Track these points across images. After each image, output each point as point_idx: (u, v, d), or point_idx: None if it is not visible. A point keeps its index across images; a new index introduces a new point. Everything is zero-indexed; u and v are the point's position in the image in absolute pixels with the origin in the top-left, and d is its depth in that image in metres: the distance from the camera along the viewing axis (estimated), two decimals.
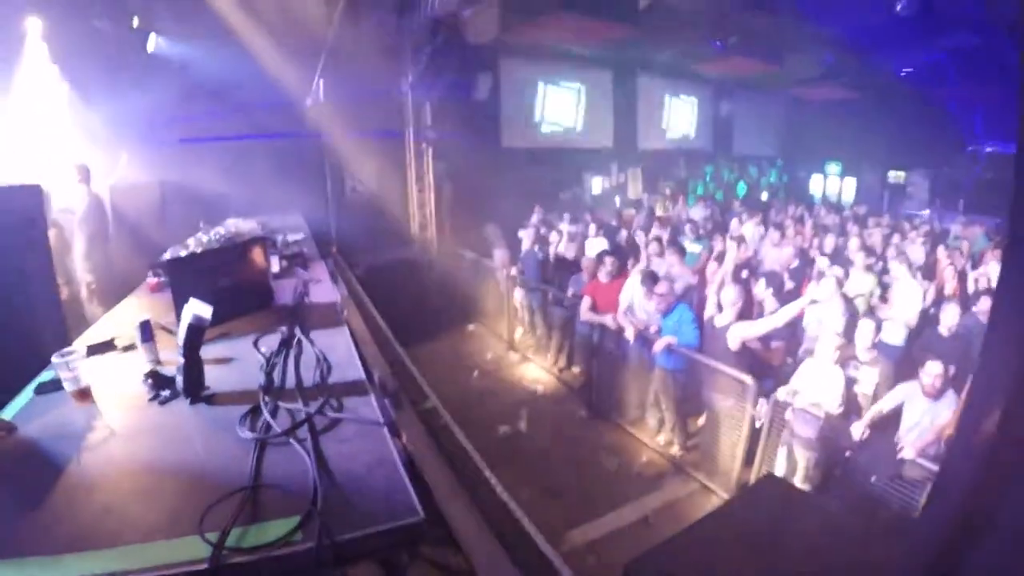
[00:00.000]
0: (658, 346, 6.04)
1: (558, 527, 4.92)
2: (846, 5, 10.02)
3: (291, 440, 2.03)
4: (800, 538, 2.41)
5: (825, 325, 5.64)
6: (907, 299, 6.54)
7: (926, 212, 15.36)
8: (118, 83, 8.31)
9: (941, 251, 8.49)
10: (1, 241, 2.93)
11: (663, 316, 6.11)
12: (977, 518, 1.11)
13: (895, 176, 18.32)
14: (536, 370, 8.58)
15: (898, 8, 9.05)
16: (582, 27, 11.32)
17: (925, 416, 4.38)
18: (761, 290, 6.40)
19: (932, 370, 4.36)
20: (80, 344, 2.95)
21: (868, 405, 4.91)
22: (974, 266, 7.98)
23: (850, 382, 4.94)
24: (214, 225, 7.21)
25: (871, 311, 6.58)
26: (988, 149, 15.12)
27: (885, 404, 4.62)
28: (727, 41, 11.97)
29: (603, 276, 7.04)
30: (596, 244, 9.10)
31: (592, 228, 9.94)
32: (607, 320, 6.74)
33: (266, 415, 2.20)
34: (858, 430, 4.50)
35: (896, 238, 10.09)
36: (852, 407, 4.86)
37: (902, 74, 13.90)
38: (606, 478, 5.93)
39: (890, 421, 4.61)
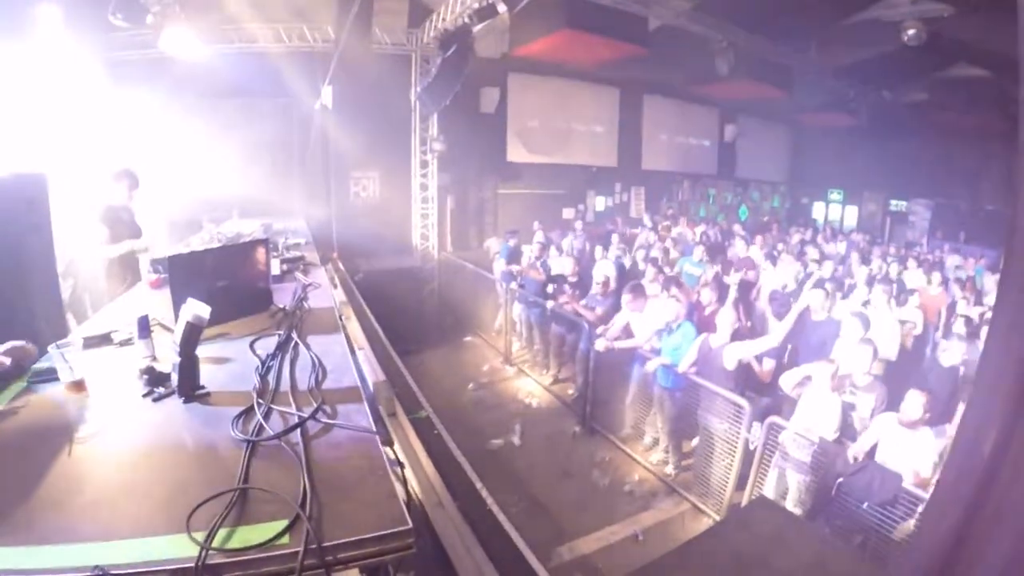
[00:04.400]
0: (651, 366, 6.07)
1: (547, 542, 4.91)
2: (853, 33, 10.09)
3: (283, 443, 2.03)
4: (791, 562, 2.40)
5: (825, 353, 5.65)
6: (885, 334, 6.44)
7: (923, 242, 15.44)
8: (129, 77, 8.35)
9: (936, 278, 8.53)
10: (4, 227, 2.94)
11: (667, 334, 6.13)
12: (968, 546, 1.11)
13: (896, 205, 18.38)
14: (531, 384, 8.57)
15: (905, 38, 9.12)
16: (592, 46, 11.39)
17: (902, 452, 4.37)
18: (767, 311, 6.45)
19: (915, 401, 4.34)
20: (77, 336, 2.95)
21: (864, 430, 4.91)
22: (976, 297, 8.00)
23: (847, 407, 4.93)
24: (217, 225, 7.23)
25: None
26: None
27: (866, 441, 4.59)
28: (734, 65, 12.04)
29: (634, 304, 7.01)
30: (603, 267, 9.12)
31: (599, 251, 9.93)
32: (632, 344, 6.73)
33: (259, 417, 2.19)
34: (851, 454, 4.49)
35: (880, 266, 10.06)
36: (848, 432, 4.85)
37: (906, 103, 13.96)
38: (597, 494, 5.91)
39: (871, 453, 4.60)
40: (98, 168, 6.29)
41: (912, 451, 4.31)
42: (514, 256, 10.36)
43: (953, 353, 5.68)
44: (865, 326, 5.93)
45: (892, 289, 7.47)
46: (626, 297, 6.95)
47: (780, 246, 12.05)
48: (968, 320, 6.36)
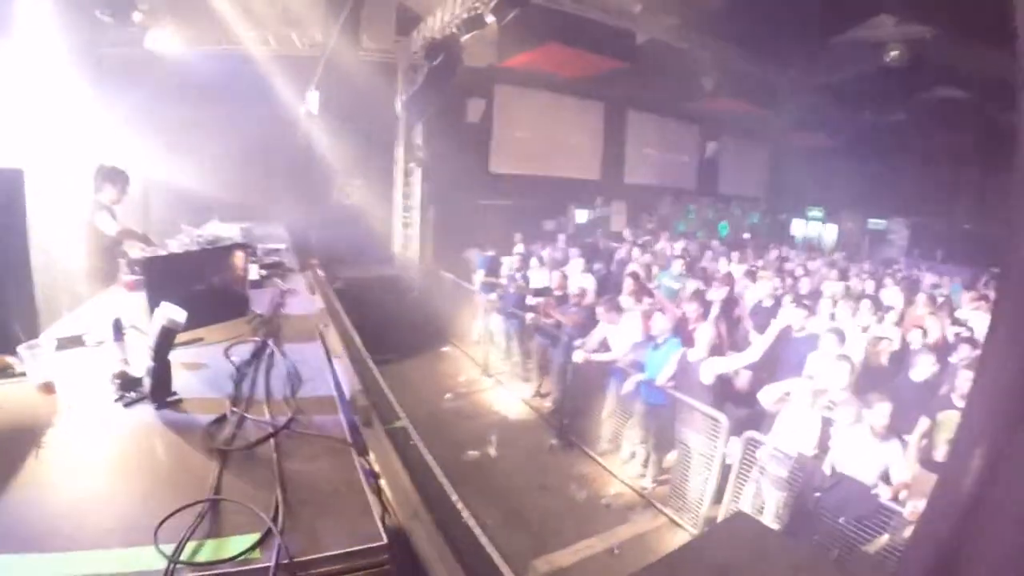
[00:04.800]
0: (629, 384, 6.10)
1: (524, 555, 4.87)
2: (836, 53, 10.25)
3: (256, 454, 1.99)
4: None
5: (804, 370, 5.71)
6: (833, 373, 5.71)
7: (901, 260, 15.65)
8: (112, 75, 8.24)
9: (920, 298, 8.62)
10: None
11: (652, 349, 6.14)
12: (956, 562, 1.10)
13: (875, 223, 18.65)
14: (509, 396, 8.54)
15: (887, 59, 9.27)
16: (578, 59, 11.47)
17: (869, 457, 4.42)
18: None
19: (883, 411, 4.41)
20: (49, 336, 2.88)
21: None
22: (950, 315, 8.11)
23: (826, 422, 4.96)
24: (196, 227, 7.12)
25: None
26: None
27: (838, 449, 4.64)
28: (718, 82, 12.18)
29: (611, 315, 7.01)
30: (581, 279, 9.13)
31: (580, 263, 9.91)
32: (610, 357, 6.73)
33: (232, 426, 2.14)
34: (828, 467, 4.52)
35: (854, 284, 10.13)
36: (827, 448, 4.88)
37: (887, 123, 14.19)
38: (574, 507, 5.89)
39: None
40: (79, 166, 6.21)
41: (880, 460, 4.37)
42: (492, 268, 10.36)
43: (922, 368, 5.74)
44: (841, 341, 5.99)
45: (857, 305, 7.56)
46: (600, 310, 6.98)
47: (760, 262, 12.18)
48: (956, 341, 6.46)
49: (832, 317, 7.43)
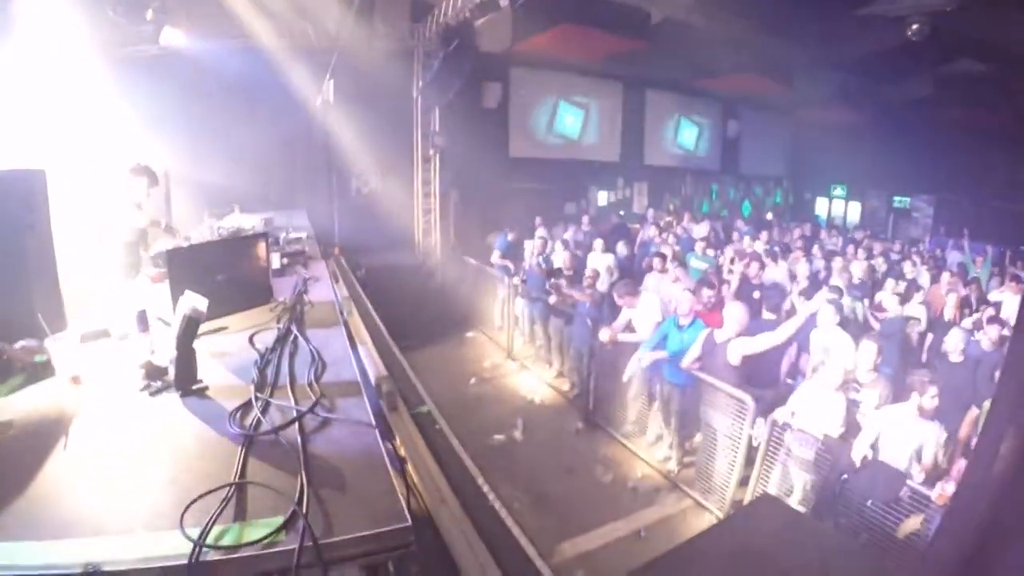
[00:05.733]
0: (646, 359, 6.06)
1: (550, 538, 4.87)
2: (856, 28, 10.02)
3: (280, 438, 1.99)
4: (796, 559, 2.36)
5: (831, 351, 5.63)
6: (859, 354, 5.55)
7: (926, 239, 15.38)
8: (131, 73, 8.30)
9: (944, 277, 8.47)
10: (2, 223, 2.92)
11: (678, 329, 6.09)
12: (986, 551, 1.07)
13: (900, 201, 18.29)
14: (534, 380, 8.52)
15: (909, 33, 9.05)
16: (594, 40, 11.34)
17: (908, 438, 4.34)
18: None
19: (934, 392, 4.32)
20: (75, 330, 2.92)
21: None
22: (979, 294, 7.96)
23: (852, 404, 4.89)
24: (218, 219, 7.19)
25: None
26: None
27: (870, 435, 4.56)
28: (737, 59, 12.00)
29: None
30: (599, 260, 9.08)
31: (600, 244, 9.85)
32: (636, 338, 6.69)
33: (256, 412, 2.16)
34: (859, 453, 4.44)
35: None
36: (852, 430, 4.81)
37: (910, 99, 13.87)
38: (600, 490, 5.87)
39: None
40: (103, 164, 6.33)
41: (917, 442, 4.29)
42: (510, 250, 10.34)
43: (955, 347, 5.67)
44: (838, 312, 5.94)
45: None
46: (615, 295, 6.94)
47: (793, 242, 12.04)
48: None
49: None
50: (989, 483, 1.12)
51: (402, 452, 2.98)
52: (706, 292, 6.81)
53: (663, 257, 8.28)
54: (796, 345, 6.28)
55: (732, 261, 8.96)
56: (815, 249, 10.88)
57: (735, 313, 5.60)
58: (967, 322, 6.83)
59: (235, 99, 9.81)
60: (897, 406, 4.57)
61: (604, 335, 6.67)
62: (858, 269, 8.69)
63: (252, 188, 9.15)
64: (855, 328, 6.60)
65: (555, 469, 6.17)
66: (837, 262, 9.30)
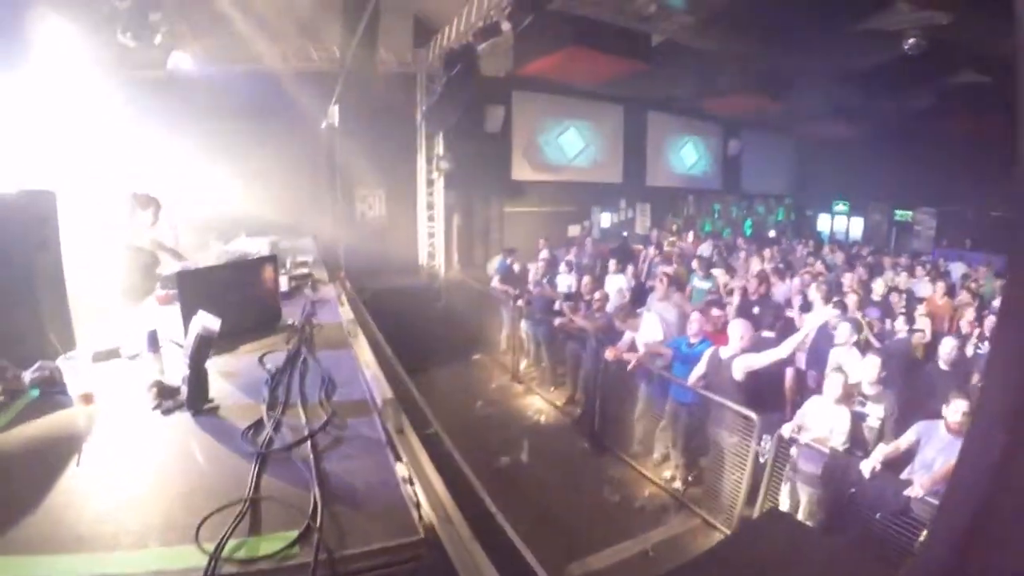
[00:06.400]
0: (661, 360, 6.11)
1: (558, 559, 4.85)
2: (854, 44, 10.11)
3: (292, 456, 2.02)
4: (803, 573, 2.37)
5: (836, 364, 5.65)
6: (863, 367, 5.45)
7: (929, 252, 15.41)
8: (139, 96, 8.42)
9: (939, 289, 8.51)
10: (14, 243, 2.97)
11: (691, 348, 6.12)
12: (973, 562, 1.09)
13: (902, 215, 18.32)
14: (540, 402, 8.52)
15: (906, 47, 9.13)
16: (595, 63, 11.45)
17: (940, 455, 4.32)
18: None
19: (958, 407, 4.30)
20: (86, 349, 2.96)
21: (874, 440, 4.87)
22: (983, 306, 7.96)
23: (857, 417, 4.89)
24: (225, 243, 7.25)
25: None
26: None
27: (902, 442, 4.55)
28: (736, 78, 12.11)
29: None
30: (615, 281, 9.12)
31: (612, 264, 9.88)
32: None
33: (269, 429, 2.18)
34: (868, 467, 4.43)
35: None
36: (857, 443, 4.81)
37: (909, 112, 13.94)
38: (607, 511, 5.85)
39: (900, 459, 4.55)
40: (112, 187, 6.42)
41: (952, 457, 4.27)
42: (509, 274, 10.39)
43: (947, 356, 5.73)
44: (856, 331, 5.95)
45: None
46: (617, 322, 6.98)
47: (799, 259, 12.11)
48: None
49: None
50: (974, 490, 1.14)
51: (410, 474, 2.99)
52: (715, 311, 6.85)
53: (666, 279, 8.31)
54: (804, 362, 6.31)
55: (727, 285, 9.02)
56: (819, 265, 10.92)
57: (738, 329, 5.63)
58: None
59: (241, 123, 9.92)
60: (926, 423, 4.56)
61: (609, 354, 6.70)
62: (879, 286, 8.72)
63: (258, 212, 9.21)
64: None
65: (562, 490, 6.15)
66: (847, 278, 9.32)
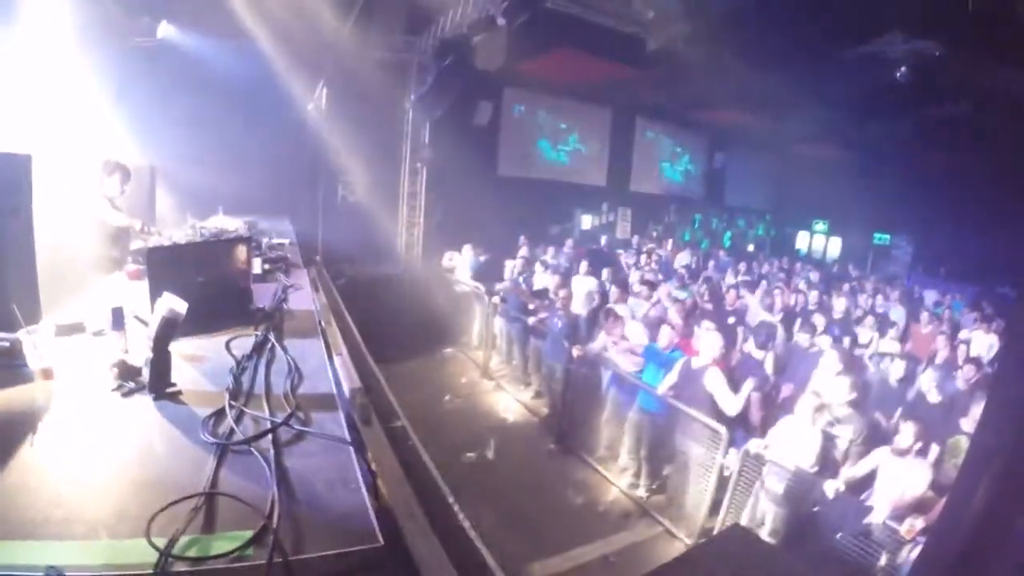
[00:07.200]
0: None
1: (519, 559, 4.83)
2: (846, 67, 10.22)
3: (253, 449, 1.96)
4: None
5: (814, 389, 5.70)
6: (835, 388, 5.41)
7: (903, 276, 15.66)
8: (123, 66, 8.23)
9: (924, 318, 8.64)
10: None
11: (662, 357, 6.13)
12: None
13: (880, 238, 18.57)
14: (508, 399, 8.50)
15: (897, 75, 9.25)
16: (588, 65, 11.46)
17: (896, 480, 4.38)
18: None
19: (907, 431, 4.38)
20: (50, 322, 2.87)
21: (843, 460, 4.92)
22: (953, 334, 8.10)
23: (827, 437, 4.93)
24: (202, 220, 7.12)
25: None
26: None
27: (859, 469, 4.62)
28: (727, 92, 12.18)
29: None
30: (584, 283, 9.12)
31: (583, 266, 9.90)
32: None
33: (230, 420, 2.12)
34: (832, 488, 4.47)
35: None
36: (827, 464, 4.86)
37: (894, 138, 14.14)
38: (570, 514, 5.85)
39: (861, 482, 4.61)
40: (88, 156, 6.25)
41: (907, 479, 4.33)
42: (481, 271, 10.36)
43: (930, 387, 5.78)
44: (843, 357, 5.98)
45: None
46: (606, 328, 6.97)
47: (773, 274, 12.26)
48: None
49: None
50: (968, 515, 1.13)
51: (374, 466, 2.94)
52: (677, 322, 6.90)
53: (650, 285, 8.35)
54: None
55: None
56: (801, 284, 11.06)
57: (710, 340, 5.65)
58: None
59: (226, 99, 9.73)
60: (882, 449, 4.64)
61: (576, 352, 6.71)
62: (840, 305, 8.84)
63: (237, 190, 9.05)
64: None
65: (526, 490, 6.14)
66: (813, 296, 9.45)
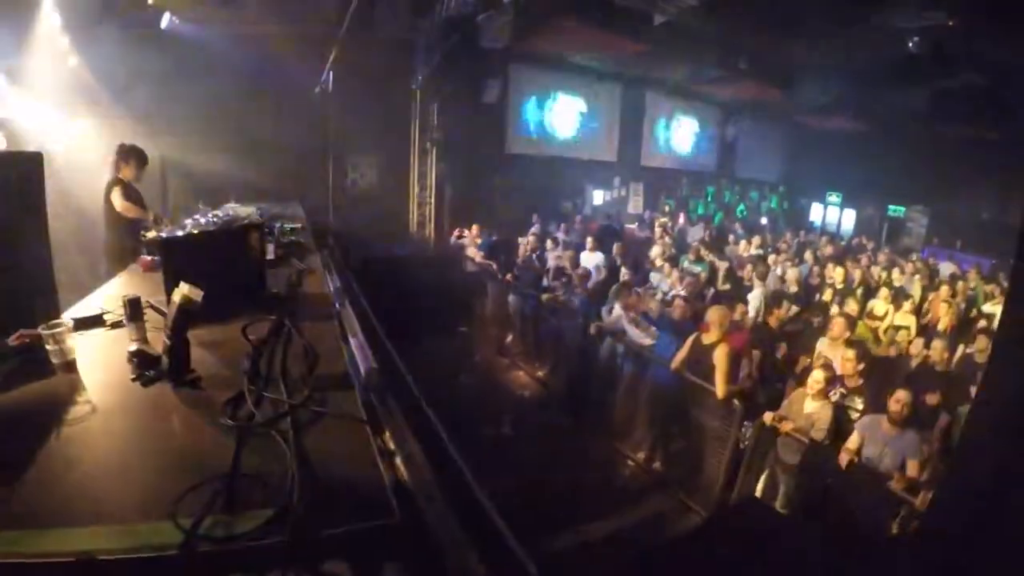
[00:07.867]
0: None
1: (535, 534, 4.89)
2: (859, 38, 10.06)
3: (273, 431, 2.00)
4: (779, 561, 2.40)
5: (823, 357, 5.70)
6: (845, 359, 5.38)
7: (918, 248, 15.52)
8: (132, 56, 8.27)
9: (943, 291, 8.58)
10: None
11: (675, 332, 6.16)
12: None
13: (895, 210, 18.37)
14: (524, 377, 8.56)
15: (910, 45, 9.11)
16: (595, 40, 11.34)
17: (888, 448, 4.39)
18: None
19: (900, 397, 4.38)
20: (69, 316, 2.92)
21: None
22: (969, 306, 8.04)
23: (839, 408, 4.94)
24: (213, 208, 7.17)
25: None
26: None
27: (851, 443, 4.61)
28: (738, 64, 12.04)
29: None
30: (591, 258, 9.13)
31: (589, 241, 9.90)
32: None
33: (249, 404, 2.17)
34: (845, 459, 4.49)
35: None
36: (841, 435, 4.87)
37: (908, 109, 13.93)
38: (587, 488, 5.91)
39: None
40: (100, 147, 6.31)
41: (897, 450, 4.34)
42: (493, 250, 10.37)
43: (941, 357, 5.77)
44: (851, 327, 5.99)
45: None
46: (622, 303, 6.98)
47: (783, 245, 12.20)
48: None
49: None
50: (970, 491, 1.15)
51: (391, 445, 2.99)
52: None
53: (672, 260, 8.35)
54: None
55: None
56: (808, 255, 10.98)
57: (718, 316, 5.66)
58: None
59: (234, 85, 9.75)
60: (869, 417, 4.65)
61: (593, 329, 6.74)
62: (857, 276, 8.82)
63: (248, 176, 9.11)
64: None
65: (542, 466, 6.19)
66: (828, 268, 9.40)
